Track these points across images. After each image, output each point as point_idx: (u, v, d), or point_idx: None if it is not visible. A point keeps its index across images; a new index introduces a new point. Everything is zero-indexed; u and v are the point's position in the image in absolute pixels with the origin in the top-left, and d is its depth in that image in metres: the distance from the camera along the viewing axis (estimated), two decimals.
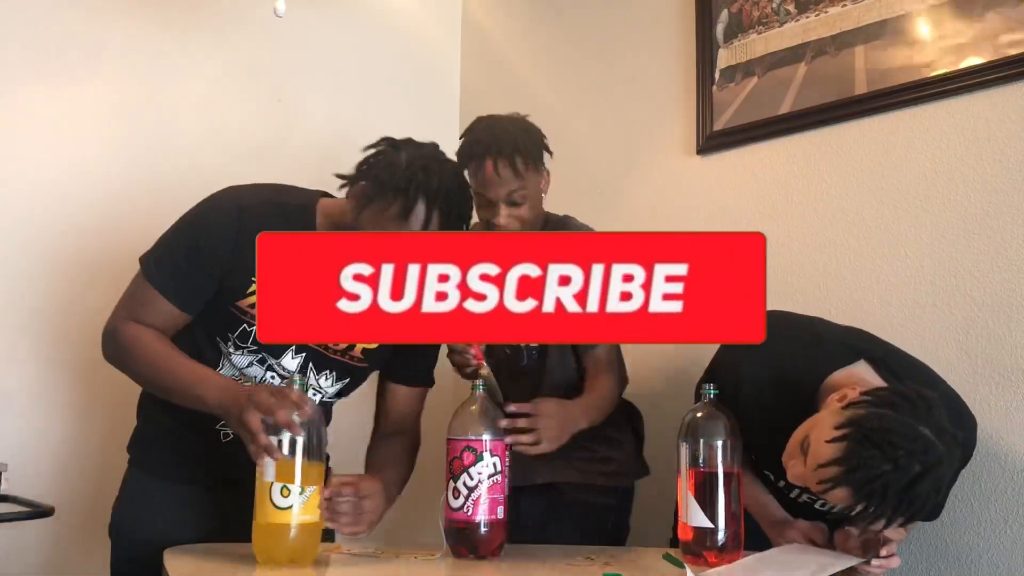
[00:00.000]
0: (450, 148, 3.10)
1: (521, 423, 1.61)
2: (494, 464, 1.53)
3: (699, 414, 1.52)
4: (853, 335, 1.67)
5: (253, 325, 1.60)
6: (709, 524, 1.47)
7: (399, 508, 2.18)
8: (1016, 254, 1.83)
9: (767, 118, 2.25)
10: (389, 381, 1.78)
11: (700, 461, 1.49)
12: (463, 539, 1.53)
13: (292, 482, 1.41)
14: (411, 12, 3.09)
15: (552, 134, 2.91)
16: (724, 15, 2.38)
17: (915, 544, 1.91)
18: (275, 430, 1.42)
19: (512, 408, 1.62)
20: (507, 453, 1.56)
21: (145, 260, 1.64)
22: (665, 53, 2.53)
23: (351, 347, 1.67)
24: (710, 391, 1.52)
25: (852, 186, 2.09)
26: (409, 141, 1.64)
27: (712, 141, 2.37)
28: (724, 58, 2.37)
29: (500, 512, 1.53)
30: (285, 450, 1.42)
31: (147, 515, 1.70)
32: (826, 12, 2.16)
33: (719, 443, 1.49)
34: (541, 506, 1.89)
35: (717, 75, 2.38)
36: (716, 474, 1.48)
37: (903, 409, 1.35)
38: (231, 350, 1.64)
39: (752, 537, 1.56)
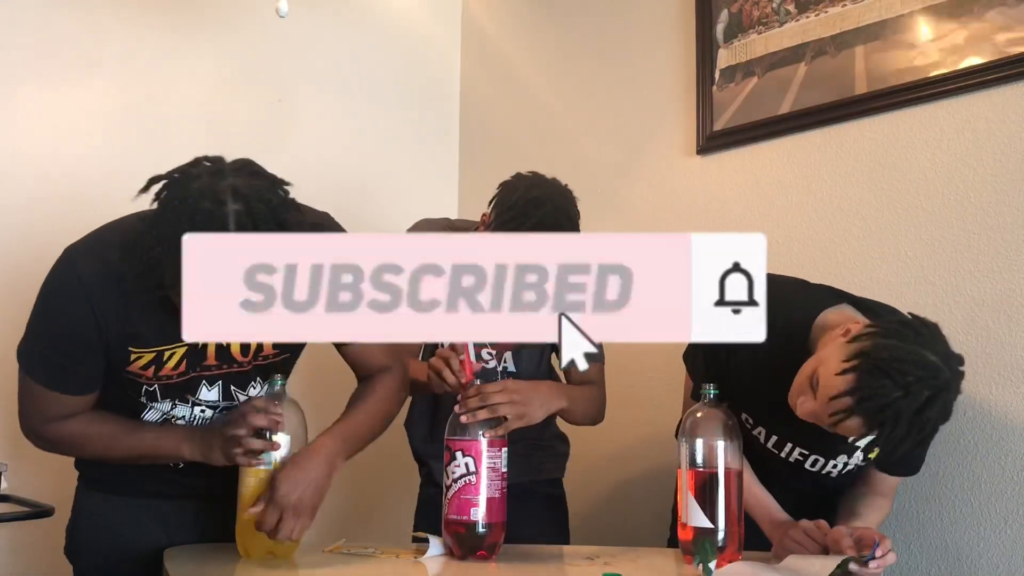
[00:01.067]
0: (450, 147, 3.14)
1: (473, 402, 1.59)
2: (466, 464, 1.52)
3: (699, 414, 1.52)
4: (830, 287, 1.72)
5: (153, 385, 1.54)
6: (709, 524, 1.47)
7: (401, 506, 2.17)
8: (1016, 254, 1.83)
9: (767, 118, 2.25)
10: (345, 345, 1.68)
11: (700, 461, 1.49)
12: (450, 537, 1.54)
13: None
14: (411, 12, 3.09)
15: (552, 134, 2.91)
16: (724, 15, 2.38)
17: (915, 544, 1.91)
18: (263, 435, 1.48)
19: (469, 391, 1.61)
20: (489, 455, 1.54)
21: (23, 358, 1.52)
22: (665, 53, 2.53)
23: (260, 349, 1.57)
24: (710, 391, 1.52)
25: (852, 186, 2.09)
26: (196, 168, 1.36)
27: (712, 141, 2.37)
28: (724, 58, 2.37)
29: (475, 514, 1.51)
30: (283, 451, 1.48)
31: (105, 534, 1.65)
32: (826, 12, 2.16)
33: (719, 443, 1.49)
34: (516, 506, 1.89)
35: (717, 75, 2.38)
36: (716, 474, 1.48)
37: (909, 338, 1.39)
38: (146, 401, 1.57)
39: (752, 537, 1.56)
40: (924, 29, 1.98)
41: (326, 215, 1.61)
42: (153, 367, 1.51)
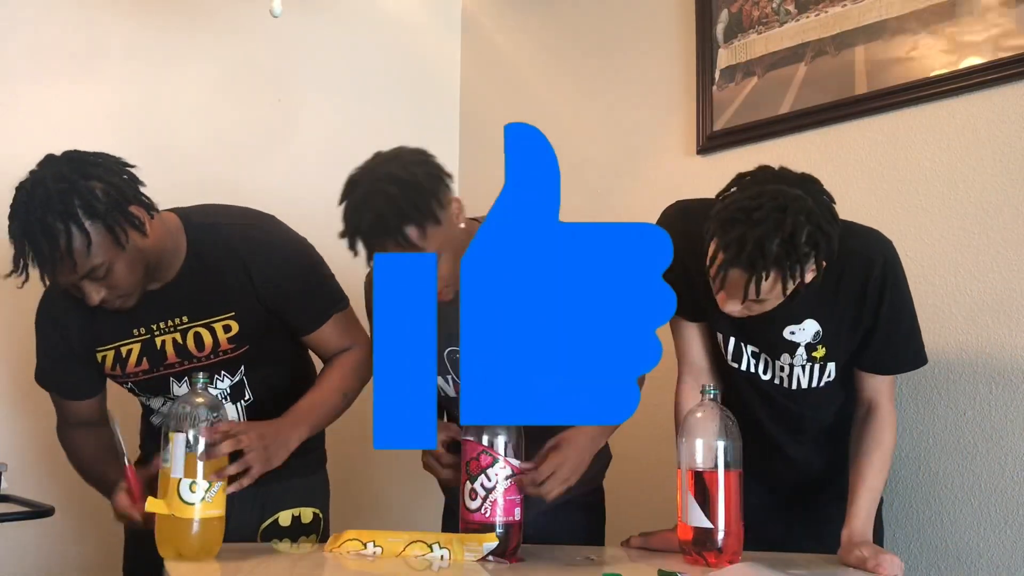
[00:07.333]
0: (450, 147, 3.13)
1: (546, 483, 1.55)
2: (511, 466, 1.52)
3: (699, 414, 1.52)
4: None
5: (128, 383, 1.72)
6: (709, 524, 1.46)
7: (403, 505, 2.17)
8: (1016, 254, 1.83)
9: (767, 118, 2.25)
10: (299, 336, 1.75)
11: (700, 461, 1.49)
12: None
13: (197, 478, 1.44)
14: (411, 12, 3.09)
15: (552, 134, 2.89)
16: (724, 15, 2.38)
17: (915, 544, 1.91)
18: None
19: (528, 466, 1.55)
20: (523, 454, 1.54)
21: (36, 370, 1.75)
22: (665, 53, 2.53)
23: (217, 345, 1.66)
24: (710, 391, 1.52)
25: (852, 186, 2.09)
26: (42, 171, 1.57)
27: (712, 141, 2.37)
28: (724, 58, 2.37)
29: (517, 514, 1.51)
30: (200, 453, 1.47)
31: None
32: (826, 12, 2.16)
33: (719, 443, 1.49)
34: (550, 515, 1.86)
35: (717, 75, 2.38)
36: (716, 474, 1.48)
37: (745, 186, 1.51)
38: (149, 403, 1.78)
39: (752, 537, 1.56)
40: (924, 29, 1.98)
41: None
42: (118, 365, 1.67)
